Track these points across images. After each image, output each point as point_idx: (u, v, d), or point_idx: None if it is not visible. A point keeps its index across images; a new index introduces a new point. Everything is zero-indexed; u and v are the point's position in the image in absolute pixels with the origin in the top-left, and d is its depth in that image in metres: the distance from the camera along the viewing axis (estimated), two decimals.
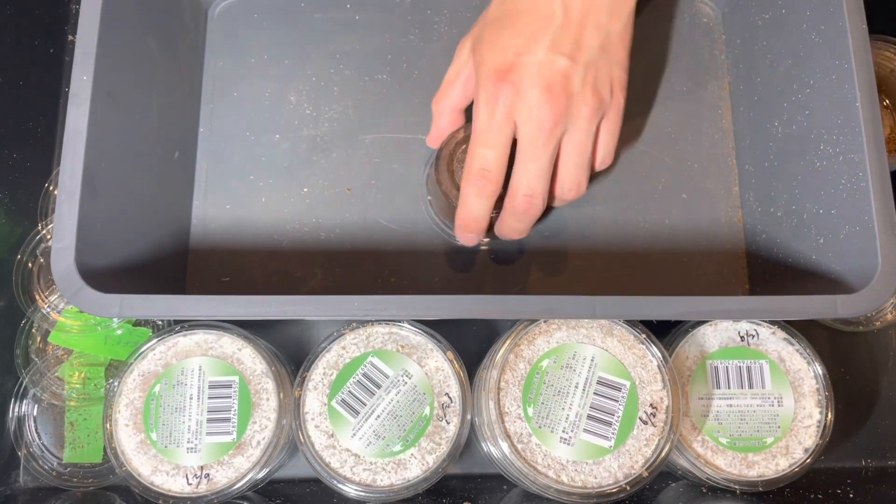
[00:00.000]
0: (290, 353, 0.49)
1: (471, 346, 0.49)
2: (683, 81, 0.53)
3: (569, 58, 0.39)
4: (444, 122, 0.45)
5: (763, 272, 0.49)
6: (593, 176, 0.45)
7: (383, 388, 0.42)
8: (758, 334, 0.45)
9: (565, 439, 0.41)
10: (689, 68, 0.54)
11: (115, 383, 0.43)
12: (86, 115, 0.39)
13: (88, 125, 0.39)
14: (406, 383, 0.43)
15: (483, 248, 0.50)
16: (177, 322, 0.46)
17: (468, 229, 0.42)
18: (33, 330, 0.50)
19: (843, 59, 0.41)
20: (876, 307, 0.38)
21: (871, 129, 0.39)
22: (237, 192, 0.50)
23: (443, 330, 0.44)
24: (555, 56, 0.39)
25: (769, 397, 0.44)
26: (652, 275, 0.50)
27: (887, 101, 0.57)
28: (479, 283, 0.49)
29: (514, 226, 0.42)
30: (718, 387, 0.44)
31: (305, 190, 0.50)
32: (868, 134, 0.39)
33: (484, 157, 0.40)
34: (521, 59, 0.39)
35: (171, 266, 0.47)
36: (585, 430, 0.41)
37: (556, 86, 0.39)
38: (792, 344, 0.44)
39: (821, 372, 0.44)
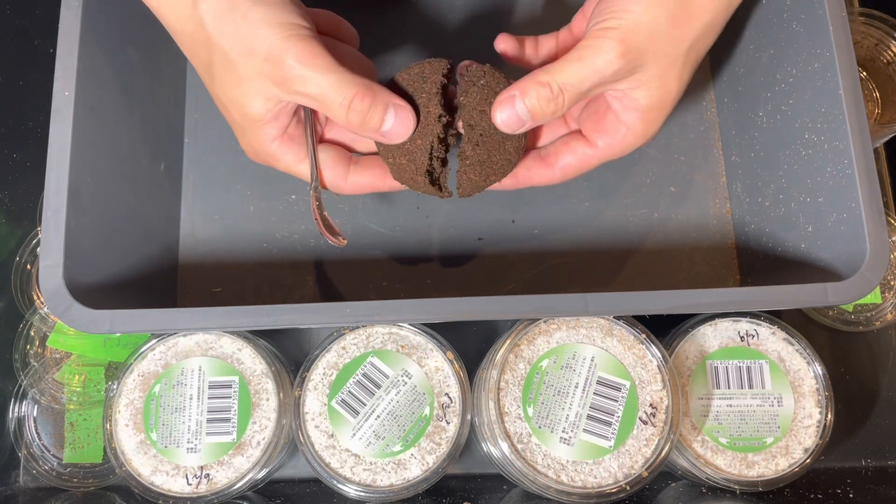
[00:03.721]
0: (290, 353, 0.49)
1: (471, 346, 0.49)
2: None
3: None
4: None
5: (753, 263, 0.49)
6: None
7: (383, 389, 0.42)
8: (758, 334, 0.45)
9: (565, 439, 0.41)
10: None
11: (115, 384, 0.43)
12: (69, 131, 0.39)
13: (72, 141, 0.39)
14: (406, 383, 0.42)
15: (478, 240, 0.50)
16: None
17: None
18: (31, 332, 0.50)
19: (824, 47, 0.41)
20: (866, 293, 0.38)
21: (855, 116, 0.39)
22: (225, 202, 0.50)
23: (443, 330, 0.44)
24: None
25: (769, 397, 0.44)
26: (643, 269, 0.50)
27: (872, 85, 0.57)
28: (472, 284, 0.49)
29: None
30: (718, 387, 0.44)
31: (293, 197, 0.50)
32: (852, 121, 0.39)
33: None
34: None
35: (161, 278, 0.47)
36: (585, 430, 0.41)
37: None
38: (792, 344, 0.44)
39: (821, 372, 0.44)
